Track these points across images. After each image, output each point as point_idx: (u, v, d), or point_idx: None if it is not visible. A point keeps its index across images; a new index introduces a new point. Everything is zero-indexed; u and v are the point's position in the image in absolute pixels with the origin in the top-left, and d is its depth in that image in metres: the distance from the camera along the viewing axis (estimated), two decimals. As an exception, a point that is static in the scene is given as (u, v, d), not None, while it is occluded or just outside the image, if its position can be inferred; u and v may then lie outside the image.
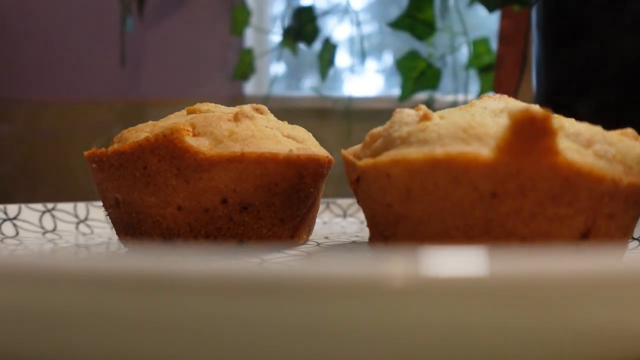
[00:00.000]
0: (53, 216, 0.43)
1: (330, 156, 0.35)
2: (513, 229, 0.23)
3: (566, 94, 0.56)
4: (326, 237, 0.39)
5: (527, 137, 0.22)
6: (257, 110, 0.35)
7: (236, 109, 0.34)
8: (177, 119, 0.33)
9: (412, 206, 0.24)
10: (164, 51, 1.53)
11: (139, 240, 0.32)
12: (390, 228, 0.26)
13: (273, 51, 1.46)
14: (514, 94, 0.86)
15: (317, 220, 0.49)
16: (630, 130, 0.27)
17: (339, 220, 0.51)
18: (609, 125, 0.27)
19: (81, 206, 0.45)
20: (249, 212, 0.31)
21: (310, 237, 0.39)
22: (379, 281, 0.11)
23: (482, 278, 0.11)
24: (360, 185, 0.28)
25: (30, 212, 0.42)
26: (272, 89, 1.44)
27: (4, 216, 0.40)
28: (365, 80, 1.54)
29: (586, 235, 0.24)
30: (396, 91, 1.33)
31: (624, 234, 0.26)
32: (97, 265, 0.12)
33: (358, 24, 1.34)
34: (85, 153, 0.33)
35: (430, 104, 1.27)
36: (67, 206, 0.44)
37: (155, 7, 1.51)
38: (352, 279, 0.11)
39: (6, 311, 0.12)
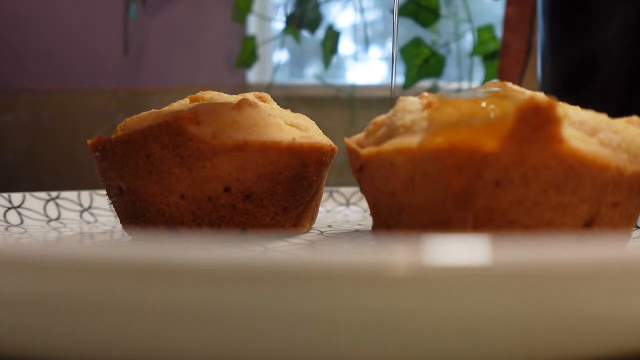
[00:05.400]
0: (57, 204, 0.43)
1: (333, 144, 0.35)
2: (516, 218, 0.23)
3: (571, 81, 0.56)
4: (329, 226, 0.39)
5: (531, 125, 0.22)
6: (260, 98, 0.35)
7: (239, 97, 0.34)
8: (180, 107, 0.33)
9: (415, 195, 0.24)
10: (167, 39, 1.52)
11: (143, 228, 0.32)
12: (393, 216, 0.26)
13: (276, 39, 1.46)
14: (519, 81, 0.86)
15: (320, 208, 0.50)
16: (635, 118, 0.27)
17: (342, 209, 0.51)
18: (614, 113, 0.27)
19: (85, 194, 0.45)
20: (252, 201, 0.31)
21: (314, 226, 0.39)
22: (382, 270, 0.11)
23: (485, 267, 0.11)
24: (364, 174, 0.28)
25: (34, 201, 0.42)
26: (275, 77, 1.43)
27: (8, 204, 0.40)
28: (369, 67, 1.53)
29: (590, 223, 0.24)
30: (400, 79, 1.33)
31: (627, 223, 0.26)
32: (101, 254, 0.12)
33: (361, 11, 1.33)
34: (89, 141, 0.33)
35: (434, 92, 1.27)
36: (71, 194, 0.44)
37: (157, -5, 1.50)
38: (355, 268, 0.11)
39: (11, 299, 0.12)
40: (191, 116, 0.31)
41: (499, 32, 1.16)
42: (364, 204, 0.52)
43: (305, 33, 1.36)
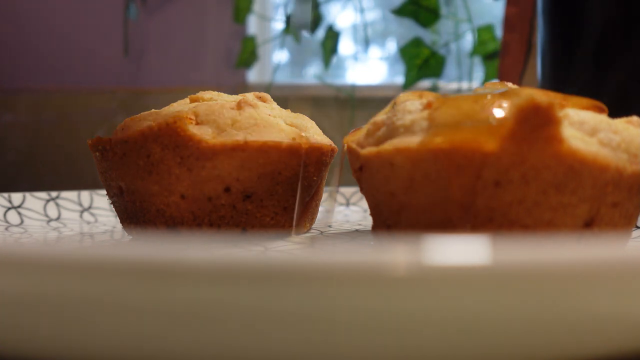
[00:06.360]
0: (57, 204, 0.43)
1: (333, 144, 0.35)
2: (516, 218, 0.23)
3: (571, 81, 0.56)
4: (329, 226, 0.39)
5: (531, 125, 0.22)
6: (260, 98, 0.35)
7: (239, 97, 0.34)
8: (180, 108, 0.33)
9: (415, 195, 0.24)
10: (167, 39, 1.52)
11: (143, 228, 0.32)
12: (393, 217, 0.26)
13: (276, 39, 1.46)
14: (518, 81, 0.86)
15: (320, 208, 0.50)
16: (635, 118, 0.27)
17: (342, 209, 0.51)
18: (613, 113, 0.27)
19: (85, 194, 0.45)
20: (252, 201, 0.31)
21: (314, 226, 0.39)
22: (382, 270, 0.11)
23: (485, 267, 0.11)
24: (364, 174, 0.28)
25: (34, 201, 0.42)
26: (275, 77, 1.43)
27: (8, 204, 0.40)
28: (369, 67, 1.53)
29: (590, 224, 0.24)
30: (400, 79, 1.33)
31: (627, 223, 0.26)
32: (101, 254, 0.12)
33: (361, 10, 1.33)
34: (89, 141, 0.33)
35: (434, 92, 1.27)
36: (71, 194, 0.44)
37: (157, -5, 1.50)
38: (355, 268, 0.11)
39: (11, 299, 0.12)
40: (191, 116, 0.31)
41: (499, 32, 1.16)
42: (364, 204, 0.52)
43: (305, 33, 1.36)
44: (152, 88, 1.52)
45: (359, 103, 1.41)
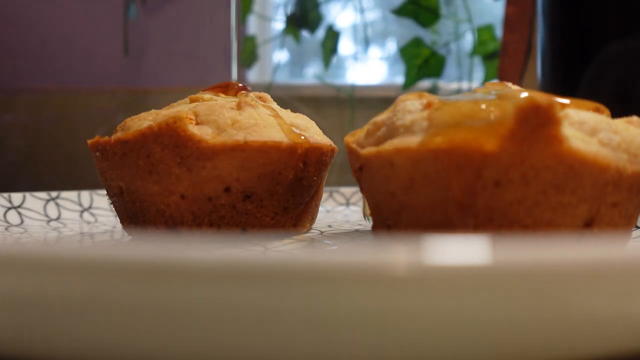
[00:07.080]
0: (57, 204, 0.43)
1: (333, 144, 0.35)
2: (516, 218, 0.23)
3: (571, 81, 0.56)
4: (329, 226, 0.39)
5: (531, 125, 0.22)
6: (260, 98, 0.35)
7: (239, 97, 0.34)
8: (180, 107, 0.33)
9: (415, 195, 0.24)
10: (167, 39, 1.52)
11: (143, 228, 0.32)
12: (393, 216, 0.26)
13: (276, 38, 1.46)
14: (518, 81, 0.86)
15: (320, 208, 0.50)
16: (635, 118, 0.27)
17: (342, 209, 0.51)
18: (613, 113, 0.27)
19: (85, 195, 0.45)
20: (252, 201, 0.31)
21: (313, 226, 0.39)
22: (382, 269, 0.11)
23: (485, 266, 0.11)
24: (364, 174, 0.28)
25: (34, 201, 0.42)
26: (275, 77, 1.43)
27: (8, 204, 0.40)
28: (369, 67, 1.52)
29: (590, 223, 0.24)
30: (400, 79, 1.32)
31: (627, 223, 0.26)
32: (101, 254, 0.12)
33: (361, 10, 1.33)
34: (89, 141, 0.33)
35: (434, 92, 1.26)
36: (71, 194, 0.44)
37: (157, -5, 1.50)
38: (355, 268, 0.11)
39: (11, 299, 0.12)
40: (191, 116, 0.31)
41: (499, 32, 1.16)
42: (364, 204, 0.52)
43: (305, 33, 1.36)
44: (152, 88, 1.51)
45: (359, 103, 1.41)
